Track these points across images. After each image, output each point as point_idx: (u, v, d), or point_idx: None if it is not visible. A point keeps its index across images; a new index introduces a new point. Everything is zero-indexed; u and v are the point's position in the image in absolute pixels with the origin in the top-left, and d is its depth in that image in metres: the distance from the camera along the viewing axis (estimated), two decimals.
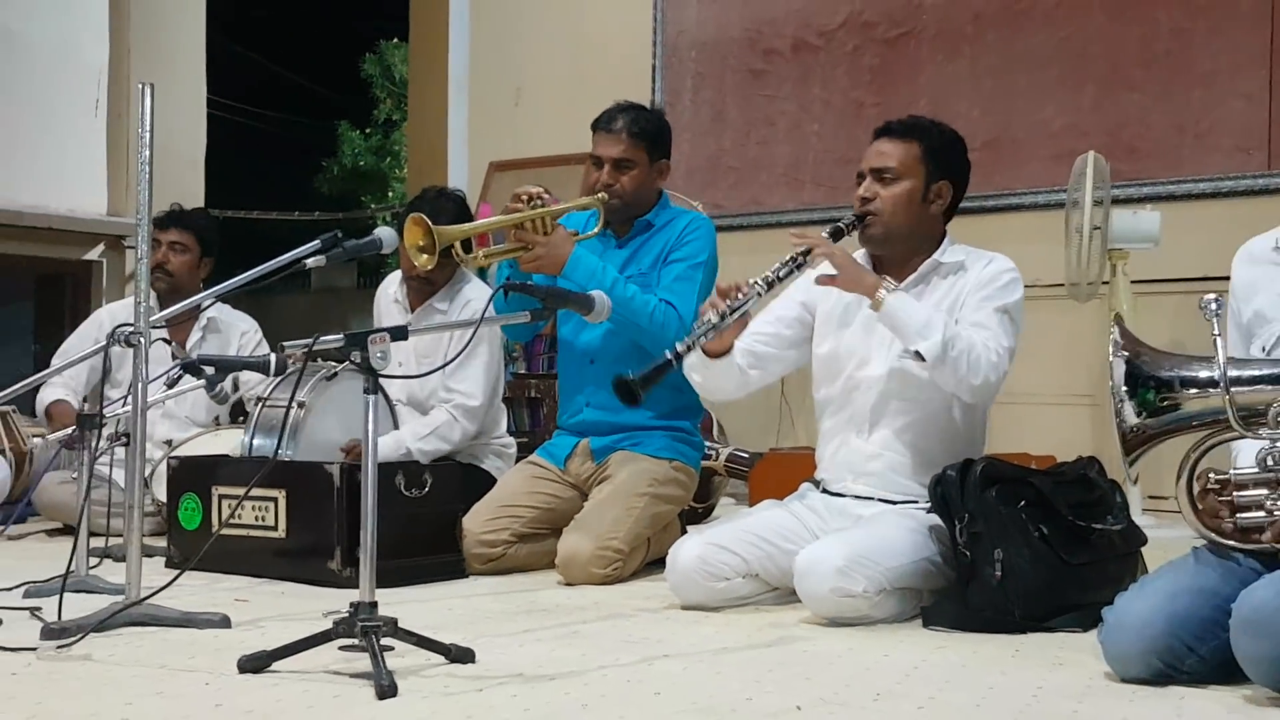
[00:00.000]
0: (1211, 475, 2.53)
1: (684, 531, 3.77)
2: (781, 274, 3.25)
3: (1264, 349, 2.66)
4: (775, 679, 2.57)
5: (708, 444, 4.40)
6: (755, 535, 3.35)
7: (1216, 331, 2.47)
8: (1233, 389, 2.44)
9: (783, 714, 2.29)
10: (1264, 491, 2.47)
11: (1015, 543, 3.02)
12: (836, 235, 3.33)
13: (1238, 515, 2.49)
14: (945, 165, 3.43)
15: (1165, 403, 2.56)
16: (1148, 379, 2.57)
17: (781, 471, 4.32)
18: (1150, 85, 4.95)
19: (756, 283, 3.23)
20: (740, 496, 4.93)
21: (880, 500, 3.35)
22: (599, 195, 3.93)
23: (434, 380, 4.10)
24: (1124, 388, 2.58)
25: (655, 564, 3.75)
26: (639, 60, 6.30)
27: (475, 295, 4.24)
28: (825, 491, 3.49)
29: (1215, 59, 4.88)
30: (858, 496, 3.40)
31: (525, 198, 3.77)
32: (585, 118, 4.08)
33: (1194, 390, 2.54)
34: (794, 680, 2.56)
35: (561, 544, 3.75)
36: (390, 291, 4.41)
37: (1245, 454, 2.60)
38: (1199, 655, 2.46)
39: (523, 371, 6.02)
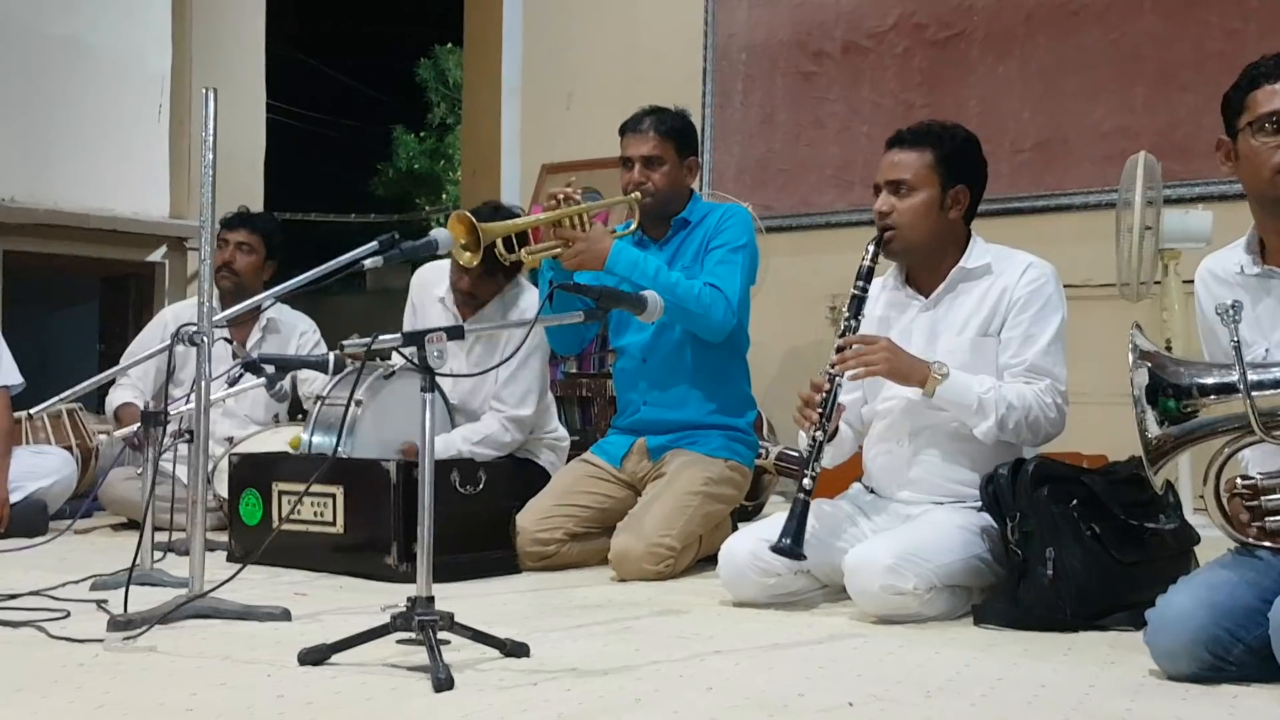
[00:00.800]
0: (1239, 480, 2.54)
1: (735, 529, 3.77)
2: (840, 380, 3.24)
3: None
4: (826, 675, 2.57)
5: (760, 442, 4.39)
6: (806, 532, 3.34)
7: (1236, 338, 2.46)
8: (1254, 394, 2.43)
9: (834, 710, 2.29)
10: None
11: (1067, 542, 3.00)
12: (868, 276, 3.32)
13: (1266, 519, 2.50)
14: (960, 169, 3.39)
15: (1187, 409, 2.54)
16: (1168, 387, 2.56)
17: (830, 471, 4.30)
18: (1202, 86, 4.89)
19: (834, 375, 3.22)
20: (790, 495, 4.92)
21: (931, 501, 3.34)
22: (633, 195, 3.95)
23: (486, 388, 4.13)
24: (1145, 398, 2.57)
25: (706, 561, 3.76)
26: (690, 63, 6.31)
27: (529, 304, 4.25)
28: (870, 490, 3.49)
29: None
30: (907, 502, 3.39)
31: (561, 197, 3.79)
32: None
33: (1214, 396, 2.52)
34: (845, 677, 2.56)
35: (615, 540, 3.77)
36: (436, 293, 4.39)
37: (1256, 460, 2.59)
38: (1245, 644, 2.44)
39: (574, 371, 6.03)
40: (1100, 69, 5.19)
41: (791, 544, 3.10)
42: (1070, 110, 5.26)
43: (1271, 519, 2.48)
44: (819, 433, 3.22)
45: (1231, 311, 2.47)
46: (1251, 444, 2.52)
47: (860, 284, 3.32)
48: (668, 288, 3.62)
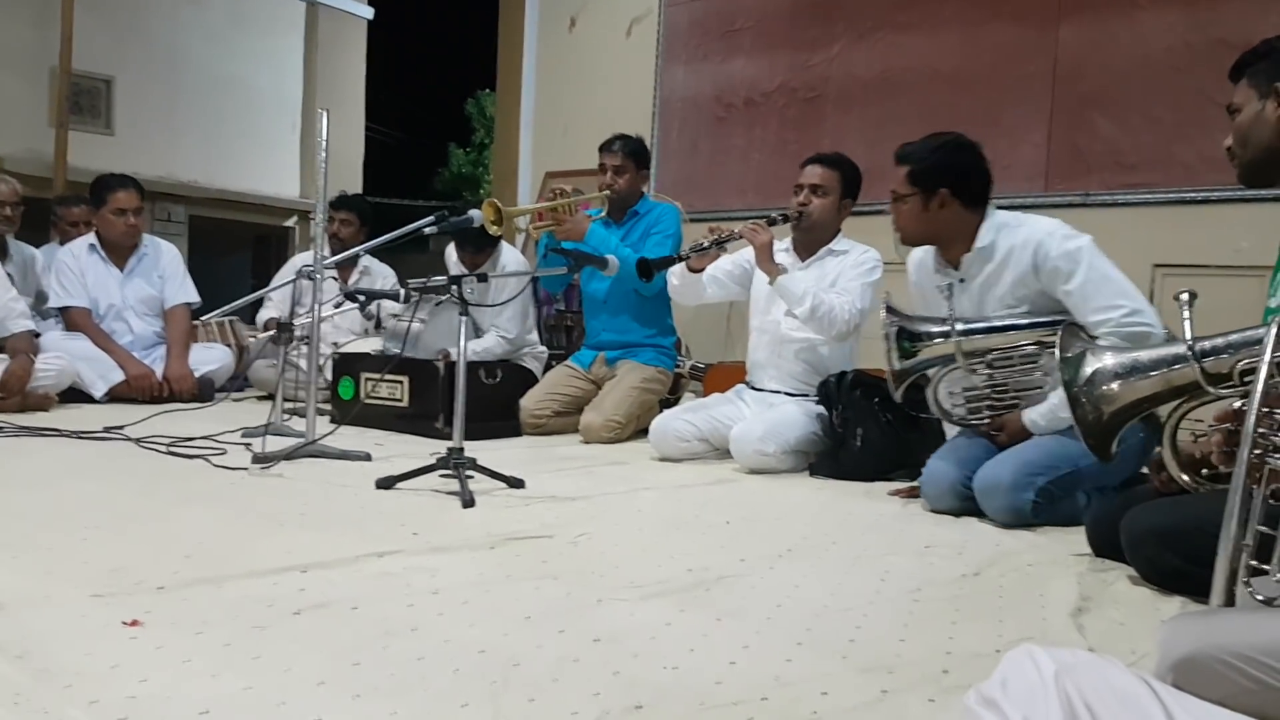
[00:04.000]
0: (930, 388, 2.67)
1: (661, 411, 3.78)
2: (735, 234, 3.24)
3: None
4: (715, 504, 2.60)
5: (679, 357, 4.40)
6: (706, 414, 3.37)
7: (951, 303, 2.56)
8: (961, 339, 2.54)
9: (718, 525, 2.32)
10: (982, 401, 2.62)
11: (870, 424, 3.04)
12: (772, 222, 3.31)
13: (968, 407, 2.62)
14: (852, 188, 3.40)
15: (916, 350, 2.60)
16: (905, 334, 2.62)
17: (724, 376, 4.32)
18: (972, 134, 4.85)
19: (732, 230, 3.23)
20: (697, 392, 4.94)
21: (786, 394, 3.37)
22: (604, 192, 3.93)
23: (488, 314, 4.09)
24: (894, 341, 2.63)
25: (641, 431, 3.76)
26: (644, 108, 6.22)
27: (510, 259, 4.18)
28: (752, 388, 3.51)
29: (1015, 118, 4.82)
30: (772, 391, 3.42)
31: (558, 192, 3.80)
32: None
33: (933, 340, 2.61)
34: (726, 505, 2.59)
35: (583, 417, 3.76)
36: (453, 257, 4.24)
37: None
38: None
39: (562, 309, 6.00)
40: (908, 121, 5.13)
41: (651, 264, 3.28)
42: (887, 147, 5.16)
43: (972, 409, 2.63)
44: (704, 240, 3.24)
45: (947, 289, 2.59)
46: (955, 369, 2.60)
47: (781, 212, 3.34)
48: (620, 256, 3.61)
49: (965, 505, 2.50)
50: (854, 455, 3.04)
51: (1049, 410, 2.49)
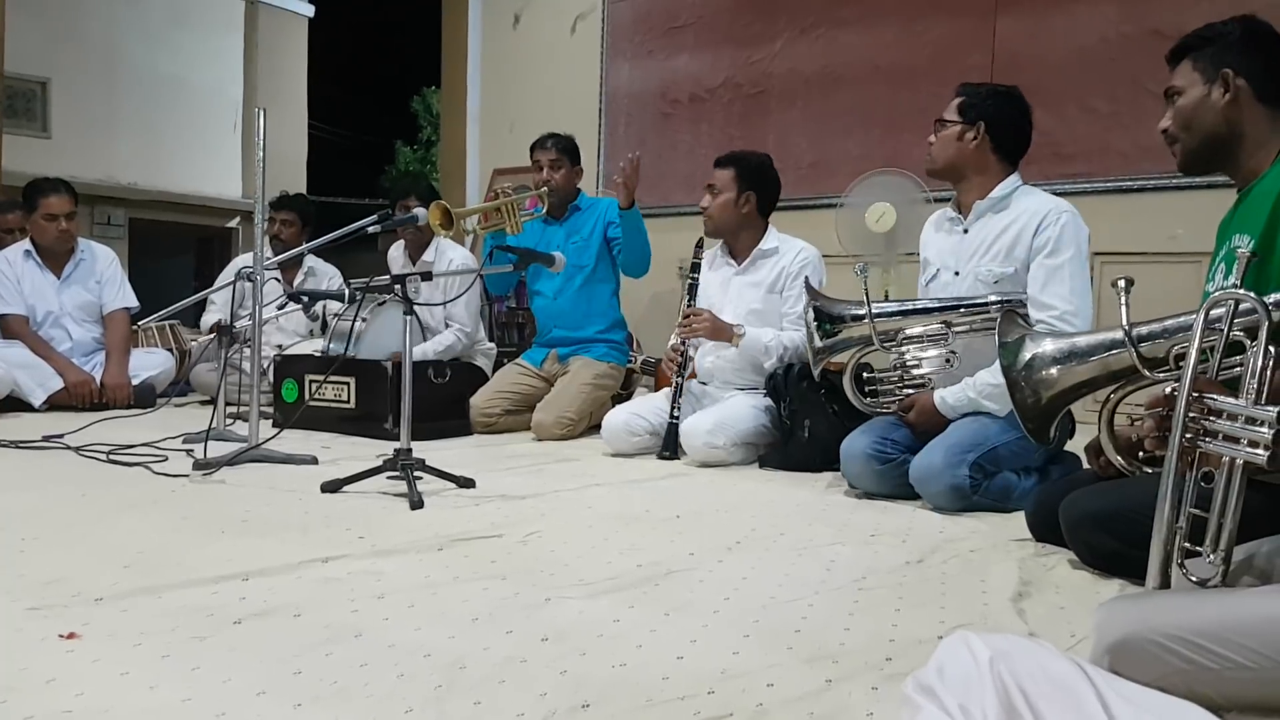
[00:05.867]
0: (864, 374, 2.72)
1: (613, 407, 3.77)
2: (686, 344, 3.30)
3: (925, 283, 2.78)
4: (665, 498, 2.60)
5: (630, 352, 4.39)
6: (657, 409, 3.37)
7: (865, 287, 2.63)
8: (876, 320, 2.61)
9: (669, 519, 2.32)
10: (894, 382, 2.69)
11: (818, 416, 3.07)
12: (696, 270, 3.37)
13: (878, 389, 2.70)
14: (751, 181, 3.38)
15: (836, 331, 2.66)
16: (824, 316, 2.69)
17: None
18: (914, 129, 4.86)
19: (683, 350, 3.30)
20: (650, 387, 4.94)
21: (735, 389, 3.38)
22: (542, 190, 3.94)
23: (439, 312, 4.09)
24: (812, 322, 2.69)
25: (593, 428, 3.76)
26: (590, 104, 6.21)
27: (451, 251, 4.20)
28: (701, 383, 3.52)
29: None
30: (719, 388, 3.42)
31: (499, 191, 3.85)
32: None
33: (850, 322, 2.68)
34: (677, 499, 2.59)
35: (535, 414, 3.75)
36: (396, 256, 4.34)
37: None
38: (895, 465, 2.59)
39: (513, 306, 5.97)
40: (852, 116, 5.19)
41: (670, 454, 3.22)
42: (832, 142, 5.26)
43: (883, 391, 2.70)
44: (678, 379, 3.28)
45: (862, 271, 2.66)
46: (871, 351, 2.68)
47: (693, 275, 3.38)
48: (642, 231, 3.83)
49: (881, 475, 2.58)
50: (802, 447, 3.06)
51: (959, 391, 2.56)
